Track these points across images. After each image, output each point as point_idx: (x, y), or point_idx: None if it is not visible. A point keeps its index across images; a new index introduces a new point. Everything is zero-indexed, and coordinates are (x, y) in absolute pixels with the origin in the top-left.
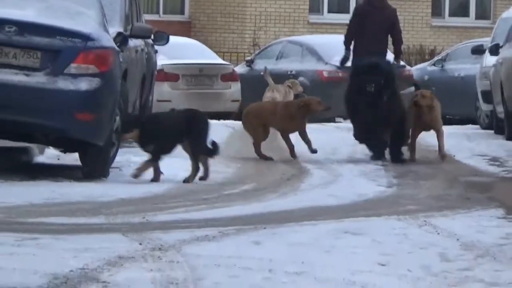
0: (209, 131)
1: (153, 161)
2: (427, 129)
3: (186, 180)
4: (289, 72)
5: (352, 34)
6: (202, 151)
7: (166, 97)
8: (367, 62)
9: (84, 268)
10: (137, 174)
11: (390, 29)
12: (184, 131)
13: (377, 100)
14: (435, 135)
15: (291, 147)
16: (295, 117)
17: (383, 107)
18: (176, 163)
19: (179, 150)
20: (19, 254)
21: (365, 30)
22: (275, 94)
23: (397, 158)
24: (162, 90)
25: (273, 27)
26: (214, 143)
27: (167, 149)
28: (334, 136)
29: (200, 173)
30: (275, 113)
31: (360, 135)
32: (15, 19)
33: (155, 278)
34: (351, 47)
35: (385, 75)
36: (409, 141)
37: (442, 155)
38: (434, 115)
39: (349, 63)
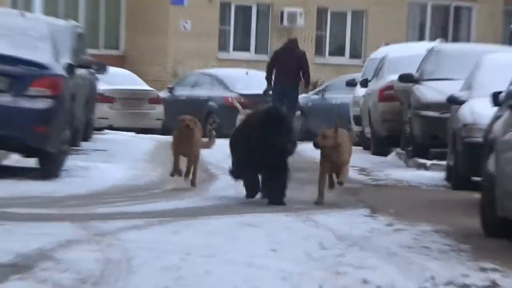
0: None
1: None
2: (334, 170)
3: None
4: (201, 98)
5: (270, 72)
6: None
7: (105, 115)
8: (270, 110)
9: (41, 248)
10: None
11: (299, 67)
12: None
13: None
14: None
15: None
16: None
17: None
18: (113, 168)
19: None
20: None
21: (279, 67)
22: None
23: (278, 200)
24: (102, 109)
25: (189, 61)
26: None
27: None
28: None
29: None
30: None
31: (242, 173)
32: None
33: (97, 258)
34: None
35: (285, 126)
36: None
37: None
38: (340, 155)
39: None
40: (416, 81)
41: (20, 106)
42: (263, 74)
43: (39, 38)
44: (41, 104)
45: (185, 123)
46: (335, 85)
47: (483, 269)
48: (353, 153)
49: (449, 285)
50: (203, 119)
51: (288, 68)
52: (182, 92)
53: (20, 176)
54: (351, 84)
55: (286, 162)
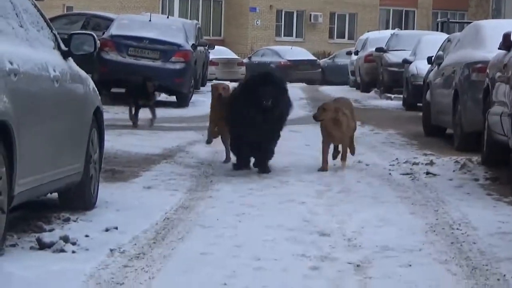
0: None
1: None
2: (335, 142)
3: None
4: (266, 62)
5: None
6: None
7: (213, 72)
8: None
9: (178, 145)
10: None
11: None
12: None
13: (269, 115)
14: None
15: None
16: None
17: (273, 122)
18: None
19: None
20: (151, 140)
21: None
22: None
23: (264, 169)
24: (211, 69)
25: (259, 42)
26: None
27: None
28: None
29: None
30: None
31: (238, 144)
32: (147, 36)
33: (209, 150)
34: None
35: (279, 89)
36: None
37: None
38: (340, 129)
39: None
40: (385, 51)
41: (166, 67)
42: (301, 49)
43: (176, 30)
44: (178, 66)
45: (218, 91)
46: (340, 54)
47: (425, 154)
48: (350, 91)
49: (406, 163)
50: None
51: None
52: (256, 59)
53: (167, 106)
54: (349, 53)
55: (279, 126)
